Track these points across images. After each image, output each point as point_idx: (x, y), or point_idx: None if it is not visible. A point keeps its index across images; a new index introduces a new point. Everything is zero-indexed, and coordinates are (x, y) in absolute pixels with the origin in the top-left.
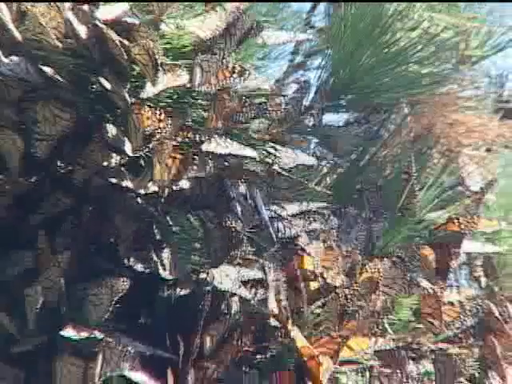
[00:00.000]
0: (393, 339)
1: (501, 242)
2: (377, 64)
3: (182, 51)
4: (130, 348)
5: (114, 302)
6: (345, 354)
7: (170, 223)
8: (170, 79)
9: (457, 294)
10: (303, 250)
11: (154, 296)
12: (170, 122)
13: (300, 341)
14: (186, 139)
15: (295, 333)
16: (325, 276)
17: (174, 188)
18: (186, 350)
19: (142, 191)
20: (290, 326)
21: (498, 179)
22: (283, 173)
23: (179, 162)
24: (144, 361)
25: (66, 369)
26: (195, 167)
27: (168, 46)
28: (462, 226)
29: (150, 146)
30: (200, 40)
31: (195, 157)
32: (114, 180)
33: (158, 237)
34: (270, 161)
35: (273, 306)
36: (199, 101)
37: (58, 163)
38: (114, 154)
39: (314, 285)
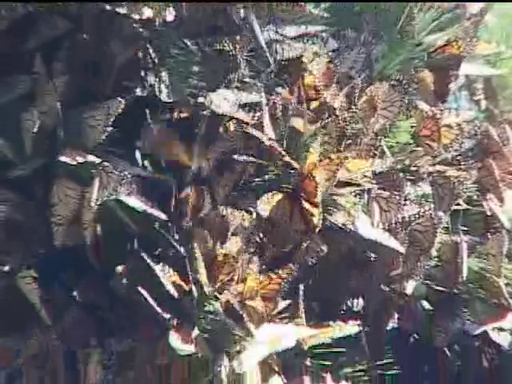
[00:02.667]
0: (391, 162)
1: (501, 64)
2: None
3: None
4: (127, 172)
5: (110, 123)
6: (344, 175)
7: (167, 47)
8: None
9: (455, 117)
10: (305, 69)
11: (151, 120)
12: None
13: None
14: None
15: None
16: (324, 95)
17: (170, 12)
18: (184, 173)
19: (137, 16)
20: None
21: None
22: None
23: None
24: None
25: (63, 193)
26: None
27: None
28: (461, 49)
29: None
30: None
31: None
32: (108, 6)
33: (155, 61)
34: None
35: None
36: None
37: None
38: None
39: (313, 105)
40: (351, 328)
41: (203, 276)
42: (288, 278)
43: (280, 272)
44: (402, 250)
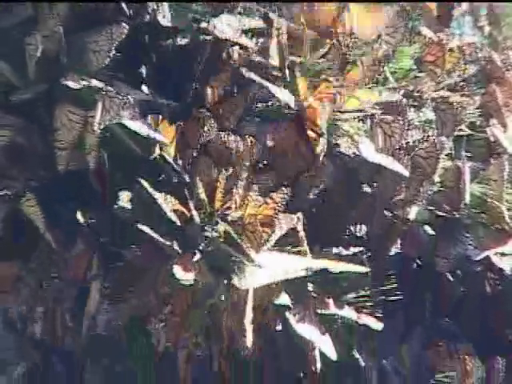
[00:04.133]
0: (394, 88)
1: None
2: None
3: None
4: (129, 97)
5: (113, 48)
6: (350, 104)
7: None
8: None
9: (458, 41)
10: None
11: (154, 45)
12: None
13: (303, 88)
14: None
15: (299, 80)
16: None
17: None
18: (192, 99)
19: None
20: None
21: None
22: None
23: None
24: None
25: (66, 117)
26: None
27: None
28: None
29: None
30: None
31: None
32: None
33: None
34: None
35: (274, 54)
36: None
37: None
38: None
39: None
40: (358, 268)
41: (204, 201)
42: (282, 202)
43: (274, 196)
44: (406, 173)
